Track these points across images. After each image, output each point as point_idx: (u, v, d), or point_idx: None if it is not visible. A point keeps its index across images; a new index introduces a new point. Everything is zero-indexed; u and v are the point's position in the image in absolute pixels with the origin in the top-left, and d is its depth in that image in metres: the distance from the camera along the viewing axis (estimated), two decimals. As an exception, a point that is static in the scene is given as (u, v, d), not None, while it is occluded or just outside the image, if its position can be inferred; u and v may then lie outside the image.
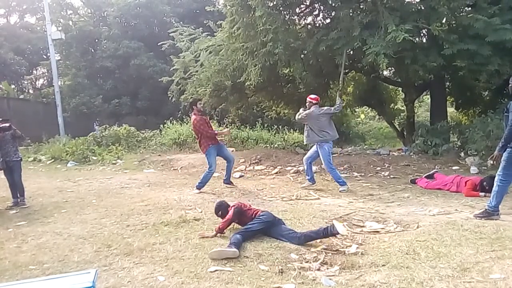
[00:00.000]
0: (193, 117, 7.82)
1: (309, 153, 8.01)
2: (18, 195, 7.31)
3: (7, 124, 7.42)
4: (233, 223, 4.94)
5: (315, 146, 7.84)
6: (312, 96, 7.95)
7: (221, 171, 10.22)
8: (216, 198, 7.06)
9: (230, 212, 4.87)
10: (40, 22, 30.74)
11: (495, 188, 5.24)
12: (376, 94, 15.91)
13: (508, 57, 9.01)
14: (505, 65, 8.87)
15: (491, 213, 5.15)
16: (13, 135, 7.44)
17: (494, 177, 6.54)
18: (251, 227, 4.60)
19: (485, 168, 8.48)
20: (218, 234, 4.75)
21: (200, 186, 7.65)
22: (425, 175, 7.98)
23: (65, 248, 4.61)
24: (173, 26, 16.80)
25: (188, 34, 15.69)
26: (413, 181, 7.98)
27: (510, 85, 5.22)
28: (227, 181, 8.25)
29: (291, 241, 4.47)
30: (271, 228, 4.66)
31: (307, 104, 7.85)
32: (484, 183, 6.57)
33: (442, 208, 5.83)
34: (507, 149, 5.04)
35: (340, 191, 7.42)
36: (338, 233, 4.33)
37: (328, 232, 4.32)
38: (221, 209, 5.13)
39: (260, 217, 4.69)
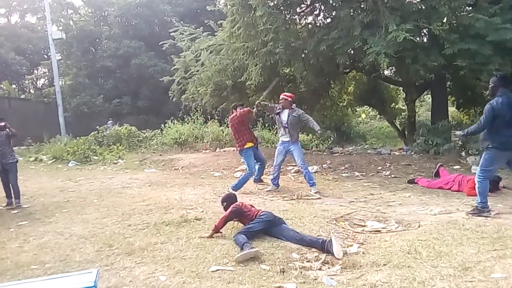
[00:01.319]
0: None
1: (281, 157, 7.63)
2: (14, 197, 7.23)
3: (2, 124, 7.27)
4: (236, 222, 4.95)
5: (282, 147, 7.60)
6: (289, 93, 7.72)
7: (222, 170, 10.25)
8: (217, 198, 7.08)
9: (228, 210, 4.88)
10: (41, 22, 30.80)
11: (477, 185, 5.45)
12: (377, 94, 15.91)
13: (509, 57, 8.99)
14: (506, 65, 8.84)
15: (481, 210, 5.31)
16: (7, 135, 7.25)
17: (495, 176, 6.62)
18: (252, 226, 4.60)
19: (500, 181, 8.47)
20: (218, 234, 4.76)
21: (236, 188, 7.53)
22: (435, 171, 8.11)
23: (66, 247, 4.62)
24: (173, 26, 16.77)
25: (189, 33, 15.68)
26: (411, 181, 7.97)
27: (489, 86, 5.41)
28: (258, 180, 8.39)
29: (292, 240, 4.47)
30: (272, 227, 4.66)
31: (282, 103, 7.45)
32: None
33: (444, 208, 5.83)
34: (488, 149, 5.31)
35: (314, 193, 7.16)
36: (333, 254, 4.14)
37: (325, 248, 4.24)
38: (228, 200, 5.18)
39: (261, 216, 4.69)
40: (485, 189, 5.39)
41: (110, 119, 21.04)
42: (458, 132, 5.95)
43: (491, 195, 6.28)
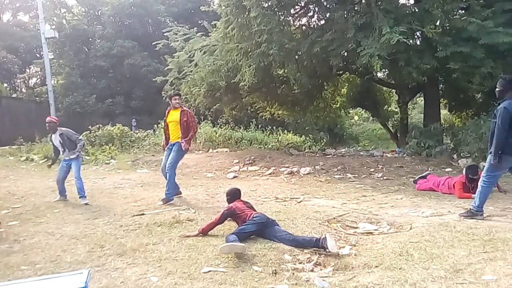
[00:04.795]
0: (184, 108, 7.12)
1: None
2: None
3: None
4: (230, 224, 4.94)
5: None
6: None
7: (214, 171, 10.23)
8: (210, 198, 7.06)
9: (218, 215, 4.89)
10: (34, 20, 30.59)
11: (479, 188, 5.36)
12: (370, 96, 15.98)
13: (501, 60, 9.08)
14: (497, 68, 8.92)
15: (474, 213, 5.25)
16: None
17: (474, 165, 6.82)
18: (245, 228, 4.59)
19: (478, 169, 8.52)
20: (210, 234, 4.74)
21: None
22: (418, 176, 8.01)
23: (57, 248, 4.58)
24: (167, 26, 16.76)
25: (183, 34, 15.67)
26: (416, 181, 7.95)
27: (497, 89, 5.27)
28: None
29: (285, 242, 4.46)
30: (264, 229, 4.65)
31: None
32: (469, 175, 6.68)
33: (435, 210, 5.85)
34: (491, 154, 5.14)
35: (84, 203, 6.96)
36: (327, 249, 4.16)
37: (319, 244, 4.25)
38: (231, 195, 5.26)
39: (254, 218, 4.68)
40: (486, 194, 5.31)
41: (134, 118, 21.06)
42: (493, 162, 5.12)
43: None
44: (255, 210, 5.04)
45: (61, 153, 7.43)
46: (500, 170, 5.34)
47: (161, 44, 16.71)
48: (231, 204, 5.03)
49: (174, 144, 7.00)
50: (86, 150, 14.02)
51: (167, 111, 7.17)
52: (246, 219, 4.73)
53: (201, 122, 16.11)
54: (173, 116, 6.99)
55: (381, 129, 20.70)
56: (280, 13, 10.83)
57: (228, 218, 4.96)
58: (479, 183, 5.43)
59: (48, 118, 7.39)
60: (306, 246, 4.37)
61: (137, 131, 17.34)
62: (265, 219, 4.71)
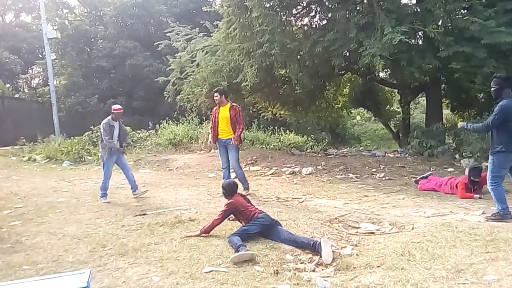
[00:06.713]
0: (233, 104, 7.47)
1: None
2: None
3: None
4: (231, 223, 4.93)
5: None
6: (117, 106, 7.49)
7: (216, 171, 10.23)
8: (211, 198, 7.07)
9: (220, 214, 4.87)
10: (36, 21, 30.65)
11: (491, 194, 5.31)
12: (372, 96, 15.94)
13: (503, 60, 9.04)
14: (500, 68, 8.88)
15: (503, 216, 5.16)
16: None
17: (478, 167, 6.78)
18: (248, 229, 4.58)
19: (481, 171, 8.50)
20: (212, 234, 4.74)
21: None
22: (420, 177, 7.99)
23: (59, 248, 4.59)
24: (169, 26, 16.75)
25: (185, 34, 15.66)
26: (417, 182, 7.94)
27: (492, 89, 5.24)
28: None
29: (286, 242, 4.45)
30: (268, 230, 4.64)
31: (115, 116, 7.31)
32: (471, 177, 6.67)
33: (437, 210, 5.85)
34: (497, 154, 5.15)
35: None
36: (321, 256, 4.10)
37: (315, 249, 4.23)
38: (227, 188, 5.15)
39: (258, 219, 4.65)
40: (501, 194, 5.24)
41: (151, 121, 21.15)
42: (460, 123, 5.76)
43: (483, 197, 6.34)
44: (253, 205, 5.02)
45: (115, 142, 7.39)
46: (504, 169, 5.27)
47: (163, 44, 16.71)
48: (231, 200, 4.95)
49: (227, 141, 7.31)
50: (88, 151, 14.04)
51: (215, 109, 7.61)
52: (249, 216, 4.70)
53: (203, 122, 16.11)
54: (223, 112, 7.38)
55: (383, 129, 20.65)
56: (282, 13, 10.81)
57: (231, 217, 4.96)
58: (488, 187, 5.36)
59: (118, 106, 7.47)
60: (305, 248, 4.36)
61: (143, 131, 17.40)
62: (269, 221, 4.70)
